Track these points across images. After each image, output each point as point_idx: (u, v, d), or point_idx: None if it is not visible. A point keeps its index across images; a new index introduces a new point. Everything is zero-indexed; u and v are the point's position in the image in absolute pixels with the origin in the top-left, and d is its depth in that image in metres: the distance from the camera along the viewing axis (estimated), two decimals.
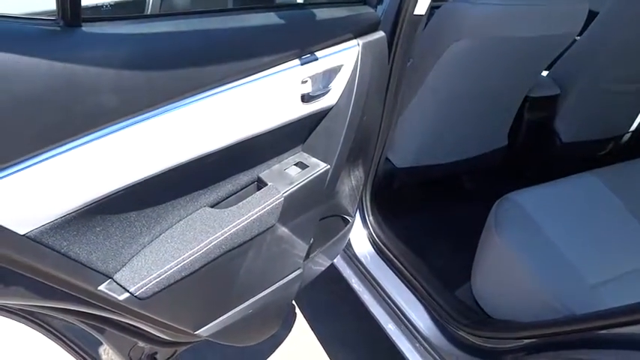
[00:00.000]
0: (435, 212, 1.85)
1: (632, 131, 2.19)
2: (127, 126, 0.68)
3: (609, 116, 2.08)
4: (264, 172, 1.01)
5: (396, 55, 1.23)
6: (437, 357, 1.33)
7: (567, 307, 1.19)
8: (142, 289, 0.74)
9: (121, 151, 0.67)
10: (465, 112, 1.69)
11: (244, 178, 0.98)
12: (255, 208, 0.93)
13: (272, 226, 0.96)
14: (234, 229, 0.90)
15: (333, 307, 1.84)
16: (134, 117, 0.66)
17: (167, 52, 0.71)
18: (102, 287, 0.72)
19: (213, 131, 0.82)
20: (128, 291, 0.73)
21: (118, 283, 0.73)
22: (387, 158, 1.71)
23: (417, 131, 1.68)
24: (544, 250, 1.31)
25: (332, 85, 1.04)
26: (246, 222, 0.92)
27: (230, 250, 0.90)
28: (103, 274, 0.71)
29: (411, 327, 1.41)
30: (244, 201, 0.94)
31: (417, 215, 1.82)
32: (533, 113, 1.89)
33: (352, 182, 1.34)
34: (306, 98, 0.99)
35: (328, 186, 1.12)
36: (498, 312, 1.33)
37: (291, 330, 1.74)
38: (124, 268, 0.74)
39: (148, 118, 0.68)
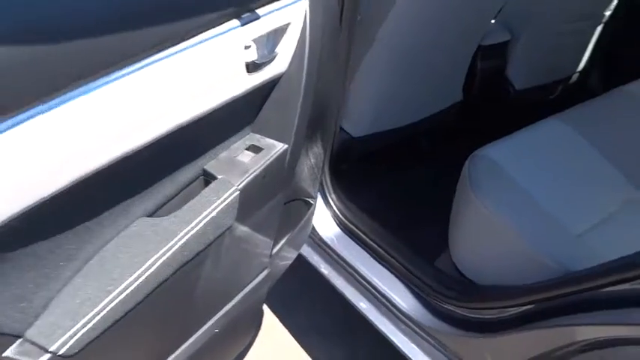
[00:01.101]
0: (399, 180, 1.73)
1: (580, 71, 2.15)
2: (13, 126, 0.48)
3: (559, 58, 2.03)
4: (211, 164, 0.83)
5: (344, 9, 1.07)
6: (425, 336, 1.22)
7: (557, 262, 1.11)
8: (68, 344, 0.56)
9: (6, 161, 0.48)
10: (420, 68, 1.56)
11: (186, 174, 0.80)
12: (206, 209, 0.76)
13: (230, 227, 0.79)
14: (182, 240, 0.72)
15: (304, 297, 1.70)
16: (17, 115, 0.47)
17: (59, 23, 0.52)
18: (9, 352, 0.53)
19: (137, 120, 0.63)
20: (48, 351, 0.54)
21: (32, 343, 0.54)
22: (341, 128, 1.56)
23: (371, 95, 1.54)
24: (524, 204, 1.22)
25: (279, 49, 0.86)
26: (197, 228, 0.74)
27: (181, 267, 0.73)
28: (10, 335, 0.53)
29: (391, 307, 1.29)
30: (191, 202, 0.76)
31: (380, 186, 1.69)
32: (486, 62, 1.79)
33: (311, 160, 1.18)
34: (251, 67, 0.82)
35: (288, 168, 0.96)
36: (484, 278, 1.24)
37: (260, 327, 1.59)
38: (38, 321, 0.55)
39: (39, 113, 0.49)
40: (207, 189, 0.78)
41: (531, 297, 0.99)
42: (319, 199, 1.43)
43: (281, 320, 1.64)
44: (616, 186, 1.31)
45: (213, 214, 0.76)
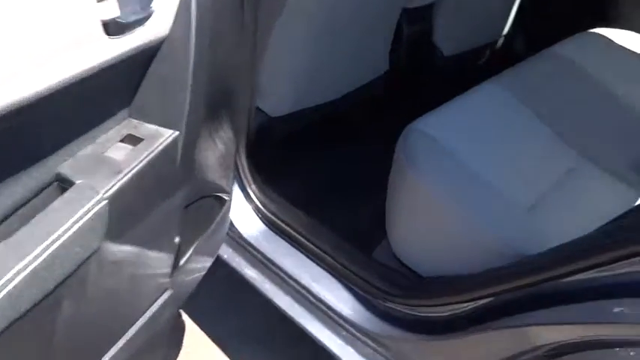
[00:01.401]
0: (326, 162, 1.55)
1: (505, 34, 2.07)
2: None
3: (484, 21, 1.93)
4: (67, 164, 0.61)
5: None
6: (367, 340, 1.07)
7: (507, 243, 0.99)
8: None
9: None
10: (341, 36, 1.38)
11: (30, 180, 0.57)
12: (59, 229, 0.54)
13: (97, 250, 0.58)
14: (25, 272, 0.51)
15: (226, 304, 1.50)
16: None
17: None
18: None
19: None
20: None
21: None
22: (257, 108, 1.35)
23: (288, 69, 1.34)
24: (466, 179, 1.09)
25: (157, 5, 0.65)
26: (45, 254, 0.52)
27: (27, 312, 0.51)
28: None
29: (327, 310, 1.13)
30: (35, 219, 0.54)
31: (306, 171, 1.51)
32: (412, 27, 1.64)
33: (220, 148, 0.97)
34: (113, 28, 0.60)
35: (184, 161, 0.76)
36: (429, 268, 1.10)
37: (180, 346, 1.38)
38: None
39: None
40: (58, 200, 0.56)
41: (484, 290, 0.86)
42: (237, 192, 1.23)
43: (204, 330, 1.44)
44: (559, 153, 1.21)
45: (70, 234, 0.54)
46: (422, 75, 1.79)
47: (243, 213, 1.23)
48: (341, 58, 1.43)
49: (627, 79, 1.52)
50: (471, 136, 1.18)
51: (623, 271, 0.67)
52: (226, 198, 1.06)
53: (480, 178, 1.09)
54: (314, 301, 1.12)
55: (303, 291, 1.13)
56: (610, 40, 1.72)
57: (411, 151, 1.12)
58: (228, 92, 0.91)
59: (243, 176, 1.23)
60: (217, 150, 0.96)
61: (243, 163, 1.21)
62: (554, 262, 0.75)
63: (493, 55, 2.05)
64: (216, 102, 0.84)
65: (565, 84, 1.46)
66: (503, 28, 2.04)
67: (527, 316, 0.77)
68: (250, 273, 1.20)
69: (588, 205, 1.12)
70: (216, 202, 1.05)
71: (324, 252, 1.15)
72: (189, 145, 0.75)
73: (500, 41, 2.07)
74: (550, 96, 1.38)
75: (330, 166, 1.54)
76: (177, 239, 0.85)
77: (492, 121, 1.24)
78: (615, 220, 0.82)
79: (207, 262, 1.10)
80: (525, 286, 0.78)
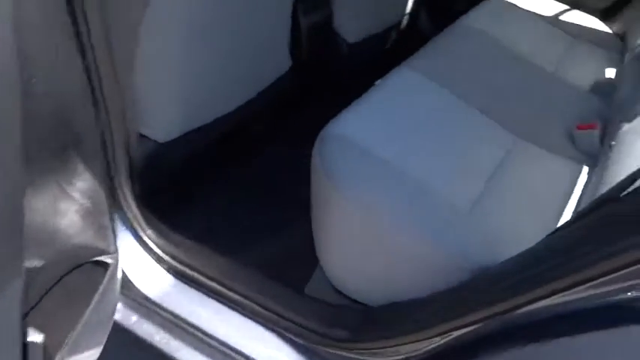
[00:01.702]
0: (234, 183, 1.34)
1: (409, 13, 1.95)
2: None
3: (385, 2, 1.79)
4: None
5: None
6: None
7: (456, 253, 0.84)
8: None
9: None
10: (230, 37, 1.17)
11: None
12: None
13: None
14: None
15: None
16: None
17: None
18: None
19: None
20: None
21: None
22: (141, 135, 1.12)
23: (171, 84, 1.12)
24: (397, 185, 0.93)
25: None
26: None
27: None
28: None
29: None
30: None
31: (211, 197, 1.29)
32: (310, 16, 1.46)
33: (82, 202, 0.74)
34: None
35: (10, 227, 0.53)
36: (377, 296, 0.92)
37: None
38: None
39: None
40: None
41: (446, 321, 0.70)
42: (130, 245, 1.00)
43: None
44: (491, 135, 1.09)
45: None
46: (329, 67, 1.62)
47: (143, 268, 1.01)
48: (233, 63, 1.22)
49: (542, 45, 1.45)
50: (393, 133, 1.02)
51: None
52: (110, 261, 0.83)
53: (412, 179, 0.93)
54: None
55: (228, 350, 0.93)
56: (513, 4, 1.65)
57: (329, 161, 0.95)
58: (76, 128, 0.68)
59: (134, 223, 1.00)
60: (79, 206, 0.73)
61: (131, 206, 0.99)
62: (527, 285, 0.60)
63: (400, 37, 1.93)
64: (50, 141, 0.61)
65: (481, 58, 1.35)
66: (405, 6, 1.92)
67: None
68: (161, 340, 0.98)
69: (532, 188, 1.00)
70: (96, 268, 0.82)
71: (246, 297, 0.95)
72: (13, 199, 0.52)
73: (405, 21, 1.96)
74: (468, 73, 1.26)
75: (238, 188, 1.34)
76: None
77: (413, 111, 1.10)
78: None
79: (99, 339, 0.86)
80: (493, 316, 0.63)
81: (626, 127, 0.98)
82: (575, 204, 0.97)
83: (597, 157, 1.07)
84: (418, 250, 0.86)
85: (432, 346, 0.70)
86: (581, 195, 0.99)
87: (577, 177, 1.03)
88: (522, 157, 1.05)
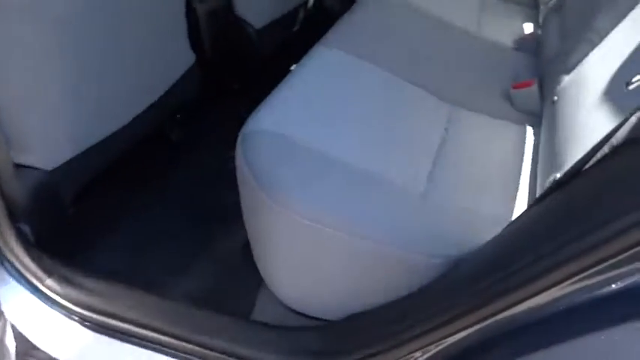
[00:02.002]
0: (152, 202, 1.16)
1: None
2: None
3: None
4: None
5: None
6: None
7: (420, 247, 0.73)
8: None
9: None
10: (117, 38, 0.99)
11: None
12: None
13: None
14: None
15: None
16: None
17: None
18: None
19: None
20: None
21: None
22: (20, 165, 0.91)
23: (50, 99, 0.92)
24: (336, 178, 0.81)
25: None
26: None
27: None
28: None
29: None
30: None
31: (124, 224, 1.10)
32: (205, 3, 1.30)
33: None
34: None
35: None
36: (336, 307, 0.80)
37: None
38: None
39: None
40: None
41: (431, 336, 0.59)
42: (25, 298, 0.81)
43: None
44: (427, 108, 1.00)
45: None
46: (238, 56, 1.47)
47: (49, 326, 0.82)
48: (122, 66, 1.03)
49: (458, 7, 1.38)
50: (323, 120, 0.90)
51: None
52: None
53: (355, 171, 0.82)
54: None
55: None
56: None
57: (255, 163, 0.81)
58: None
59: (26, 273, 0.81)
60: None
61: (18, 253, 0.80)
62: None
63: (309, 17, 1.80)
64: None
65: (401, 28, 1.26)
66: None
67: None
68: None
69: (482, 158, 0.92)
70: None
71: (182, 337, 0.80)
72: None
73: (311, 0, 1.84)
74: (391, 45, 1.16)
75: (160, 207, 1.16)
76: None
77: (341, 92, 0.98)
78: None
79: None
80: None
81: (565, 80, 0.92)
82: (529, 168, 0.90)
83: (539, 114, 1.01)
84: (374, 250, 0.74)
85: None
86: (535, 158, 0.92)
87: (524, 139, 0.97)
88: (465, 127, 0.97)
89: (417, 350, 0.61)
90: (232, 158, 0.84)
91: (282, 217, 0.77)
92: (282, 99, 0.93)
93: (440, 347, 0.58)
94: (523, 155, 0.92)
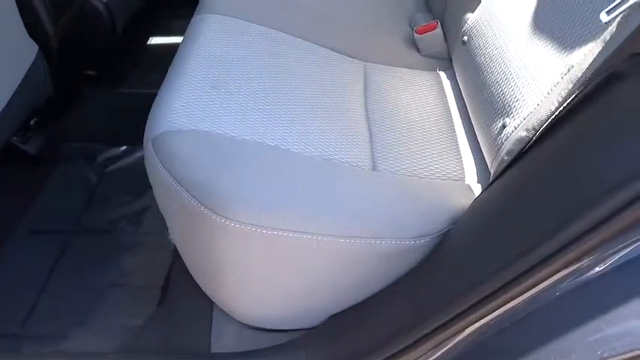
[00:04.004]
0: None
1: None
2: None
3: None
4: None
5: None
6: None
7: (387, 227, 0.67)
8: None
9: None
10: None
11: None
12: None
13: None
14: None
15: None
16: None
17: None
18: None
19: None
20: None
21: None
22: None
23: None
24: (275, 168, 0.70)
25: None
26: None
27: None
28: None
29: None
30: None
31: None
32: None
33: None
34: None
35: None
36: (311, 313, 0.71)
37: None
38: None
39: None
40: None
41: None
42: None
43: None
44: (343, 68, 0.91)
45: None
46: (93, 38, 1.22)
47: None
48: None
49: None
50: (236, 104, 0.77)
51: None
52: None
53: (292, 157, 0.71)
54: None
55: None
56: None
57: (180, 171, 0.67)
58: None
59: None
60: None
61: None
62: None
63: None
64: None
65: None
66: None
67: None
68: None
69: (413, 115, 0.86)
70: None
71: None
72: None
73: None
74: (278, 3, 1.04)
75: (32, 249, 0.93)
76: None
77: (245, 68, 0.84)
78: None
79: None
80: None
81: (471, 19, 0.89)
82: (458, 112, 0.87)
83: (447, 57, 0.98)
84: (340, 242, 0.66)
85: None
86: (460, 105, 0.89)
87: (442, 86, 0.93)
88: (383, 84, 0.90)
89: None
90: None
91: (231, 228, 0.64)
92: (181, 88, 0.77)
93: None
94: (447, 103, 0.90)
